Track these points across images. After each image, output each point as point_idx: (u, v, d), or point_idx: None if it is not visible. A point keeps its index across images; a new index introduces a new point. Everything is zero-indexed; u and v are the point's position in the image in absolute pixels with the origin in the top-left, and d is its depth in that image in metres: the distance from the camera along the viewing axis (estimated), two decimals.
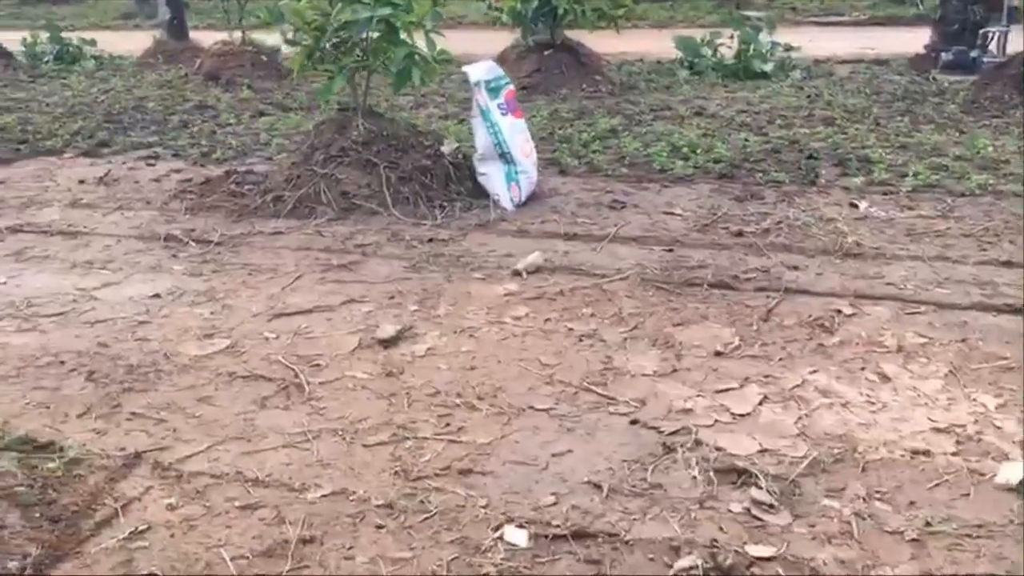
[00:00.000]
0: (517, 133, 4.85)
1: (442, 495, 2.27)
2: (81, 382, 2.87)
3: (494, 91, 4.82)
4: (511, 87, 4.94)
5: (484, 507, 2.22)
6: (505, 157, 4.77)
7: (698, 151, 5.79)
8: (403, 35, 4.85)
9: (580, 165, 5.63)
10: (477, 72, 4.79)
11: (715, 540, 2.05)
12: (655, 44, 12.61)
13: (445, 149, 4.98)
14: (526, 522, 2.15)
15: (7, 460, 2.27)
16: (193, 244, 4.25)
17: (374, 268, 3.93)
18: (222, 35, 10.70)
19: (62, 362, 3.01)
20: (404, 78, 4.84)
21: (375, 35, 4.86)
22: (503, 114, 4.81)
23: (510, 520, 2.15)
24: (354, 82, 4.94)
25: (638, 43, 12.18)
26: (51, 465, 2.31)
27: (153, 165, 5.97)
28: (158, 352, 3.09)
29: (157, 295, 3.63)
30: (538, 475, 2.37)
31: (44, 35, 12.07)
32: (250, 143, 6.54)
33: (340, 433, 2.57)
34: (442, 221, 4.52)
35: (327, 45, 4.83)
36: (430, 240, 4.25)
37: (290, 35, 4.88)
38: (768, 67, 9.45)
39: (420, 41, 4.93)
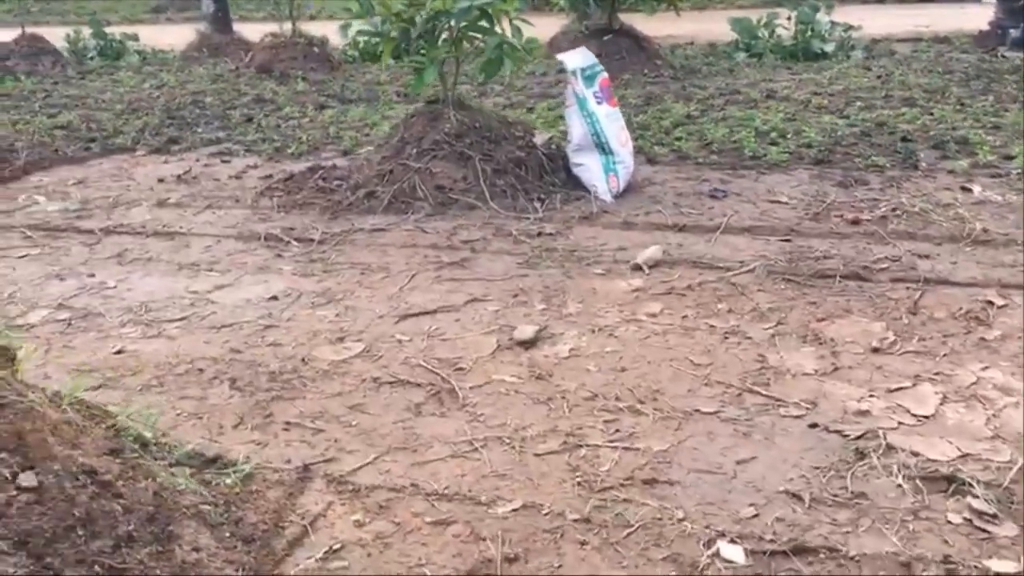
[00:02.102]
0: (613, 122, 4.72)
1: (635, 507, 2.17)
2: (226, 390, 2.78)
3: (589, 79, 4.70)
4: (605, 74, 4.82)
5: (682, 520, 2.12)
6: (602, 147, 4.65)
7: (788, 136, 5.65)
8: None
9: (668, 153, 5.50)
10: (573, 60, 4.67)
11: (948, 555, 1.94)
12: (701, 26, 12.46)
13: (538, 140, 4.87)
14: (736, 536, 2.04)
15: (183, 477, 2.18)
16: (295, 243, 4.16)
17: (487, 265, 3.83)
18: (261, 26, 10.65)
19: (200, 370, 2.93)
20: (495, 67, 4.72)
21: (462, 24, 4.75)
22: (599, 103, 4.69)
23: (720, 535, 2.04)
24: (443, 73, 4.82)
25: (682, 26, 11.99)
26: (228, 481, 2.23)
27: (228, 162, 5.89)
28: (294, 357, 3.01)
29: (274, 297, 3.54)
30: (728, 484, 2.26)
31: (86, 30, 12.02)
32: (320, 137, 6.45)
33: (507, 442, 2.48)
34: (544, 214, 4.41)
35: (415, 36, 4.72)
36: (538, 234, 4.14)
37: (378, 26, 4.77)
38: (828, 47, 9.27)
39: (505, 29, 4.82)
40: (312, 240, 4.18)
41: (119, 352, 3.08)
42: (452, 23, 4.70)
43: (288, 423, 2.60)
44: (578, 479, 2.30)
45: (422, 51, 4.75)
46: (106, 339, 3.20)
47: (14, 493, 1.78)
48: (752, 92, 7.32)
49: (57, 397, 2.08)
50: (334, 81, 8.94)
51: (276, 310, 3.42)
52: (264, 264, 3.93)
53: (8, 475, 1.80)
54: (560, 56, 4.73)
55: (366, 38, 10.47)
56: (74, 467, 1.91)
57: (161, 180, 5.45)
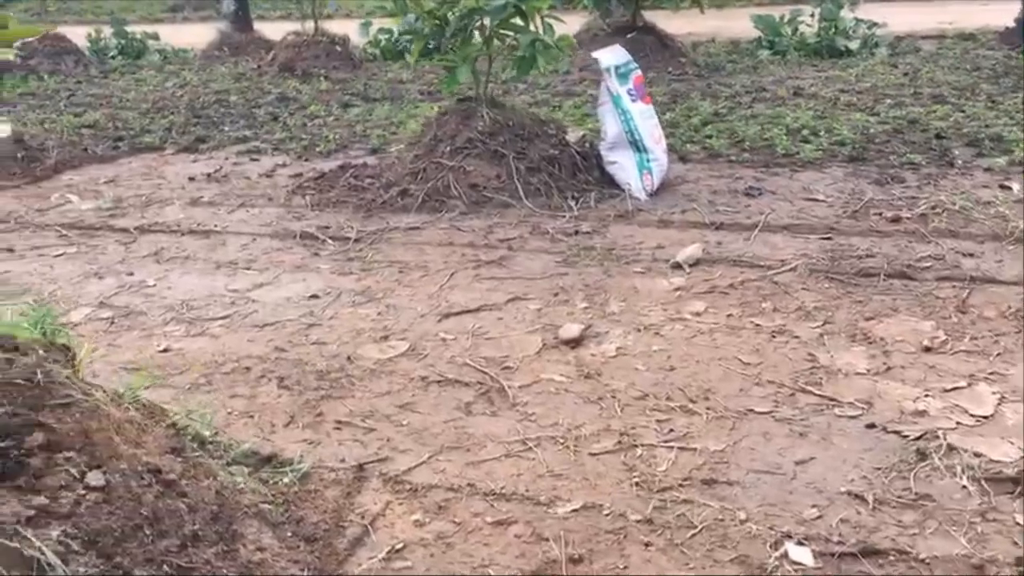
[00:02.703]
0: (647, 119, 4.70)
1: (697, 508, 2.15)
2: (275, 389, 2.78)
3: (623, 77, 4.67)
4: (639, 72, 4.79)
5: (745, 521, 2.10)
6: (636, 145, 4.62)
7: (820, 133, 5.61)
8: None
9: (699, 151, 5.47)
10: (607, 57, 4.64)
11: (1020, 557, 1.91)
12: (720, 24, 12.37)
13: (571, 137, 4.85)
14: (803, 538, 2.02)
15: (241, 476, 2.18)
16: (331, 241, 4.15)
17: (525, 263, 3.81)
18: (279, 25, 10.63)
19: (247, 368, 2.92)
20: (529, 64, 4.70)
21: (494, 22, 4.74)
22: (633, 100, 4.66)
23: (787, 536, 2.02)
24: (475, 71, 4.80)
25: (702, 23, 11.92)
26: (285, 480, 2.22)
27: (257, 160, 5.89)
28: (339, 356, 3.00)
29: (315, 296, 3.54)
30: (788, 485, 2.24)
31: (107, 29, 12.06)
32: (347, 135, 6.44)
33: (561, 441, 2.46)
34: (579, 213, 4.39)
35: (449, 34, 4.70)
36: (575, 233, 4.12)
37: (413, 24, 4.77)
38: (853, 45, 9.21)
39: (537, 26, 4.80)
40: (348, 238, 4.17)
41: (165, 350, 3.08)
42: (485, 21, 4.70)
43: (339, 422, 2.59)
44: (636, 479, 2.28)
45: (451, 49, 4.73)
46: (150, 337, 3.20)
47: (82, 492, 1.78)
48: (779, 89, 7.28)
49: (117, 395, 2.08)
50: (357, 80, 8.93)
51: (317, 308, 3.41)
52: (302, 262, 3.92)
53: (76, 474, 1.79)
54: (595, 54, 4.70)
55: (387, 36, 10.52)
56: (139, 466, 1.90)
57: (192, 179, 5.46)
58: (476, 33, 4.79)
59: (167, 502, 1.88)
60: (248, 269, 3.87)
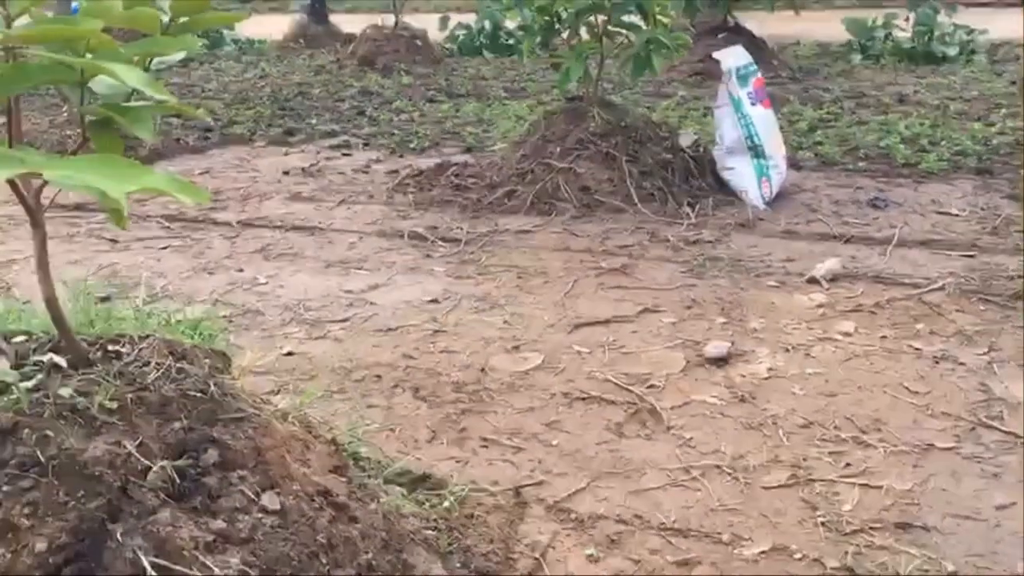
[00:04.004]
0: (768, 124, 4.49)
1: (897, 556, 1.95)
2: (411, 400, 2.64)
3: (743, 79, 4.46)
4: (759, 74, 4.58)
5: (954, 574, 1.90)
6: (756, 150, 4.41)
7: (939, 143, 5.35)
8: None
9: (811, 158, 5.24)
10: (729, 59, 4.44)
11: None
12: (804, 26, 12.03)
13: (684, 141, 4.65)
14: None
15: (399, 498, 2.03)
16: (441, 243, 4.02)
17: (650, 272, 3.63)
18: (350, 17, 10.53)
19: (378, 376, 2.79)
20: (644, 64, 4.53)
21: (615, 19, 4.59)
22: (753, 104, 4.45)
23: None
24: (587, 69, 4.63)
25: (787, 26, 11.60)
26: (445, 504, 2.07)
27: (349, 155, 5.79)
28: (472, 367, 2.85)
29: (434, 300, 3.40)
30: (991, 533, 2.03)
31: None
32: (438, 132, 6.32)
33: (728, 471, 2.28)
34: (697, 220, 4.20)
35: (564, 29, 4.55)
36: (696, 241, 3.93)
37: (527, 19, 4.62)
38: (950, 51, 8.86)
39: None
40: (458, 240, 4.03)
41: (289, 354, 2.96)
42: (597, 18, 4.54)
43: (485, 439, 2.44)
44: (820, 519, 2.09)
45: (557, 47, 4.58)
46: (271, 339, 3.08)
47: (259, 515, 1.65)
48: (881, 95, 7.01)
49: (281, 409, 1.95)
50: (438, 75, 8.82)
51: (439, 314, 3.27)
52: (414, 264, 3.79)
53: (252, 495, 1.66)
54: (716, 54, 4.50)
55: (465, 32, 10.42)
56: (309, 487, 1.77)
57: (286, 172, 5.37)
58: (584, 30, 4.64)
59: (340, 527, 1.74)
60: (360, 269, 3.75)
